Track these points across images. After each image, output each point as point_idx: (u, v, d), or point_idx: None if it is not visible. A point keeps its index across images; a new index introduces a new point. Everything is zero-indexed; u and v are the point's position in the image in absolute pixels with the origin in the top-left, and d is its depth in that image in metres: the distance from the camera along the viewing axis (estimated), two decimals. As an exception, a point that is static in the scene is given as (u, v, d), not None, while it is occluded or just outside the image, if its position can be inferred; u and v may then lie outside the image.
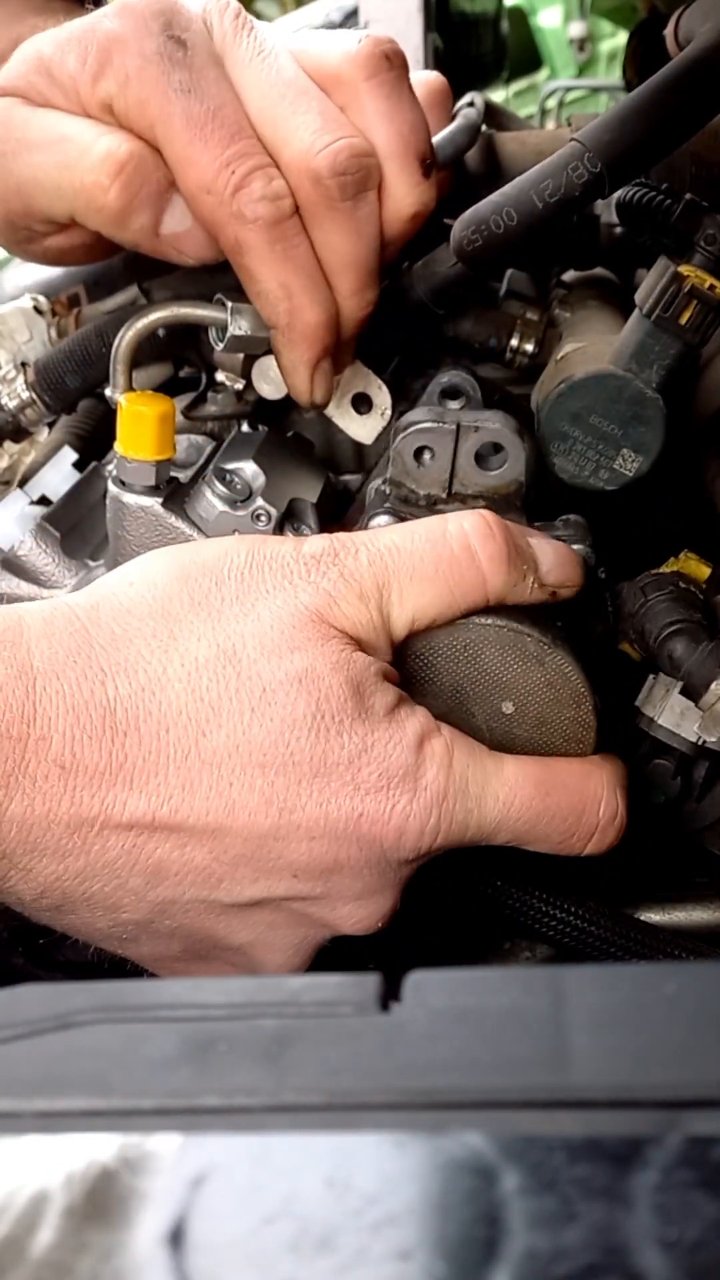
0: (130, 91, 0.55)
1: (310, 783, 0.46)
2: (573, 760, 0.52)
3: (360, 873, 0.47)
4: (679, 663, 0.53)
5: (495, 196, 0.57)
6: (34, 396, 0.66)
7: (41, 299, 0.74)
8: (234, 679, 0.46)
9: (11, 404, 0.66)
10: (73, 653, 0.46)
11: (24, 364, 0.67)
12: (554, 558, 0.52)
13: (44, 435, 0.77)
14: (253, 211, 0.54)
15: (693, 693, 0.52)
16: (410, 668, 0.51)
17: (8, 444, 0.71)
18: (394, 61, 0.58)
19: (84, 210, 0.57)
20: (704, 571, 0.57)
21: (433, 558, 0.49)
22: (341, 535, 0.51)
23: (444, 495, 0.56)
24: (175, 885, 0.46)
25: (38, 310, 0.74)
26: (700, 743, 0.55)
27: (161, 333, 0.62)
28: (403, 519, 0.55)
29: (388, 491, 0.57)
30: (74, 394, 0.66)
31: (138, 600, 0.48)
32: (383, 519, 0.55)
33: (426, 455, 0.56)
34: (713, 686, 0.51)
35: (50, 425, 0.75)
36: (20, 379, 0.66)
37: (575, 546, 0.54)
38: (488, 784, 0.49)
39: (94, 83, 0.56)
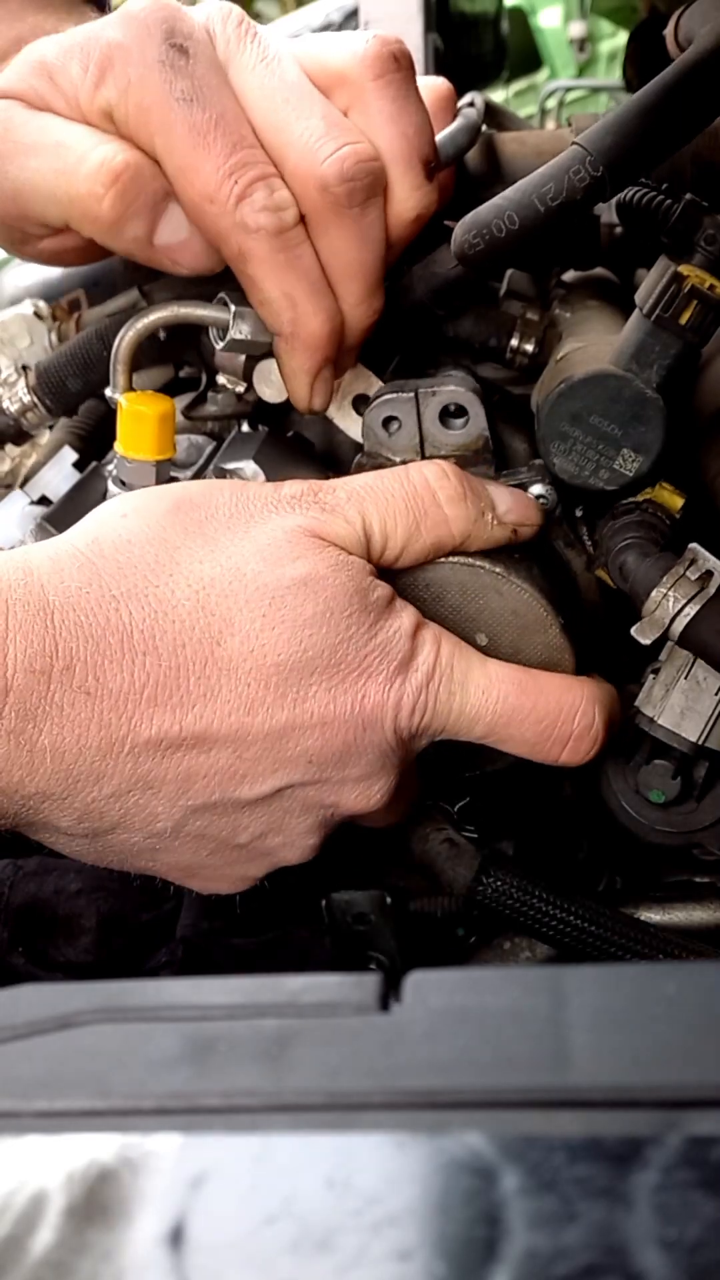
0: (131, 99, 0.55)
1: (322, 674, 0.49)
2: (555, 674, 0.55)
3: (365, 752, 0.51)
4: (627, 574, 0.55)
5: (497, 200, 0.57)
6: (35, 400, 0.66)
7: (41, 304, 0.74)
8: (241, 592, 0.49)
9: (13, 408, 0.66)
10: (84, 585, 0.48)
11: (25, 367, 0.67)
12: (510, 499, 0.57)
13: (45, 438, 0.77)
14: (256, 221, 0.54)
15: (636, 600, 0.55)
16: None
17: (9, 447, 0.71)
18: (401, 62, 0.58)
19: (78, 218, 0.57)
20: (676, 501, 0.59)
21: (401, 492, 0.54)
22: (316, 480, 0.54)
23: (417, 459, 0.60)
24: (204, 789, 0.49)
25: (38, 315, 0.74)
26: (700, 742, 0.55)
27: (163, 334, 0.62)
28: None
29: (364, 462, 0.61)
30: (75, 397, 0.66)
31: (135, 531, 0.50)
32: None
33: (394, 424, 0.59)
34: (653, 594, 0.53)
35: (50, 427, 0.75)
36: (21, 382, 0.66)
37: (535, 487, 0.59)
38: (470, 673, 0.53)
39: (95, 89, 0.56)
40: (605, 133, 0.55)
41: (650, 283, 0.57)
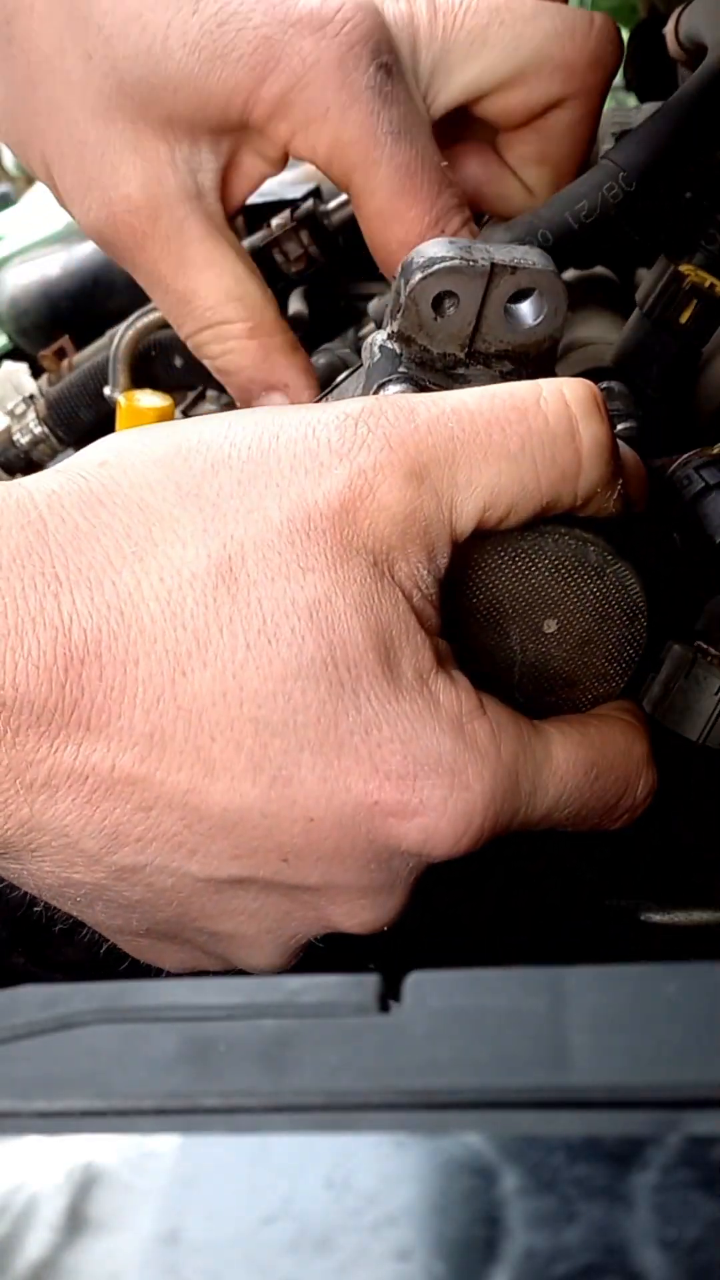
0: (329, 131, 0.48)
1: (315, 751, 0.36)
2: (615, 730, 0.44)
3: (366, 867, 0.38)
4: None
5: (529, 218, 0.58)
6: (46, 431, 0.66)
7: (23, 368, 0.74)
8: (227, 603, 0.36)
9: (24, 440, 0.66)
10: (20, 553, 0.36)
11: (32, 397, 0.67)
12: (632, 465, 0.44)
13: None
14: None
15: None
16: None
17: (19, 478, 0.72)
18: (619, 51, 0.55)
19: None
20: None
21: (521, 429, 0.38)
22: (390, 394, 0.41)
23: (461, 354, 0.46)
24: (137, 852, 0.37)
25: (27, 358, 0.74)
26: (701, 742, 0.55)
27: (179, 361, 0.62)
28: (423, 389, 0.45)
29: (398, 351, 0.46)
30: (87, 426, 0.66)
31: (111, 486, 0.38)
32: (398, 388, 0.45)
33: (449, 303, 0.44)
34: None
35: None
36: (31, 413, 0.66)
37: (622, 424, 0.49)
38: (539, 776, 0.40)
39: (273, 109, 0.49)
40: (636, 148, 0.55)
41: (650, 282, 0.57)
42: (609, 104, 0.60)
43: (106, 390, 0.60)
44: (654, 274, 0.57)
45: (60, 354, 0.72)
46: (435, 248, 0.44)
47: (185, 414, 0.69)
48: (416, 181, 0.49)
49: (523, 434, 0.38)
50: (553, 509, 0.40)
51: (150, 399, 0.58)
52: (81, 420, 0.65)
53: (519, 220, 0.58)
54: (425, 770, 0.37)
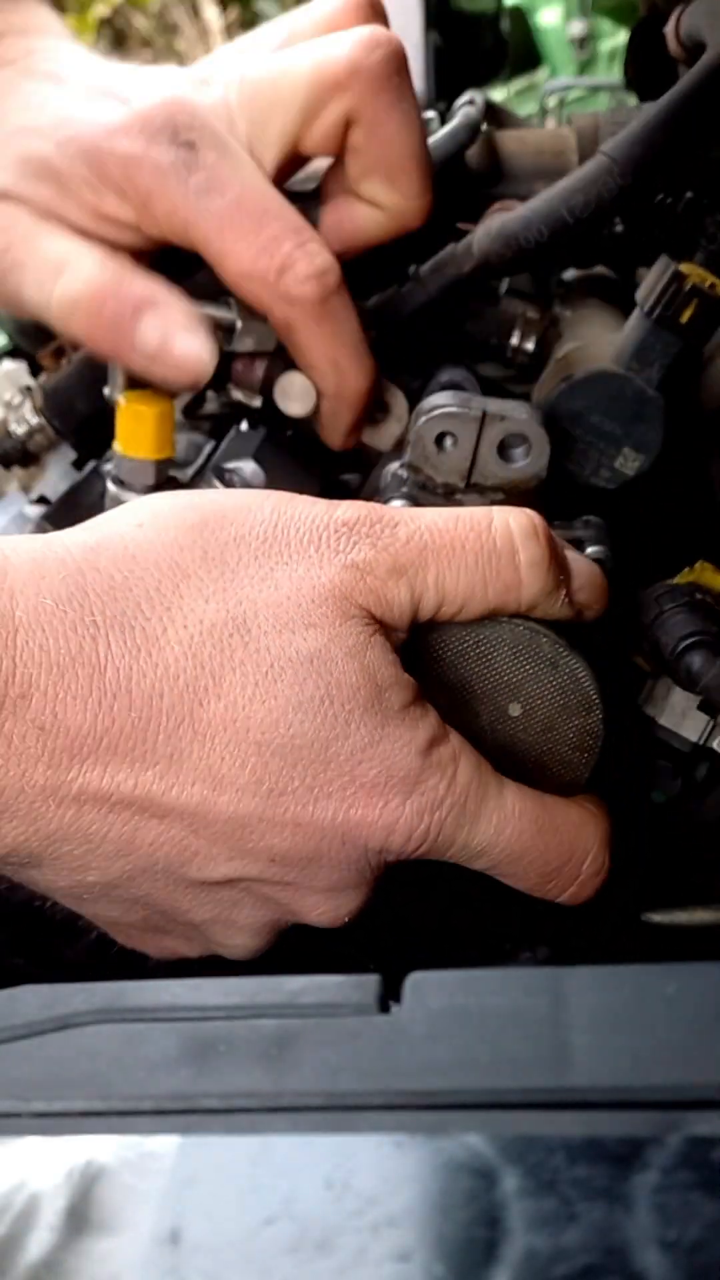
0: (156, 208, 0.56)
1: (306, 769, 0.43)
2: (572, 806, 0.50)
3: (338, 866, 0.45)
4: (697, 676, 0.51)
5: (524, 212, 0.58)
6: (43, 422, 0.66)
7: (23, 366, 0.74)
8: (240, 649, 0.43)
9: (20, 430, 0.66)
10: (63, 600, 0.42)
11: (29, 389, 0.67)
12: (586, 575, 0.50)
13: (53, 459, 0.77)
14: (300, 292, 0.56)
15: (712, 707, 0.51)
16: (419, 657, 0.50)
17: (16, 469, 0.71)
18: (397, 65, 0.58)
19: (64, 335, 0.60)
20: None
21: (475, 546, 0.47)
22: (378, 505, 0.48)
23: (461, 485, 0.55)
24: (148, 857, 0.43)
25: (23, 355, 0.73)
26: (701, 742, 0.55)
27: None
28: (419, 506, 0.54)
29: (405, 476, 0.55)
30: (84, 417, 0.66)
31: (145, 545, 0.44)
32: (398, 504, 0.54)
33: (448, 442, 0.54)
34: None
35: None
36: (27, 404, 0.66)
37: (592, 548, 0.54)
38: (485, 805, 0.47)
39: (115, 208, 0.57)
40: (632, 144, 0.55)
41: (651, 281, 0.57)
42: (609, 104, 0.60)
43: (106, 391, 0.60)
44: (654, 273, 0.57)
45: (59, 353, 0.72)
46: (440, 398, 0.55)
47: (185, 414, 0.69)
48: (234, 224, 0.55)
49: (476, 551, 0.47)
50: (502, 611, 0.48)
51: (150, 399, 0.58)
52: (78, 411, 0.65)
53: (513, 216, 0.58)
54: (394, 783, 0.45)
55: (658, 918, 0.60)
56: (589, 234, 0.57)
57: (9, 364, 0.73)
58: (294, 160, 0.60)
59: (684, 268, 0.55)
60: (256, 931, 0.48)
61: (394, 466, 0.57)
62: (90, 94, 0.60)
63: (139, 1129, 0.26)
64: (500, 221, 0.59)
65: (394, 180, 0.60)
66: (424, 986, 0.28)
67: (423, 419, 0.54)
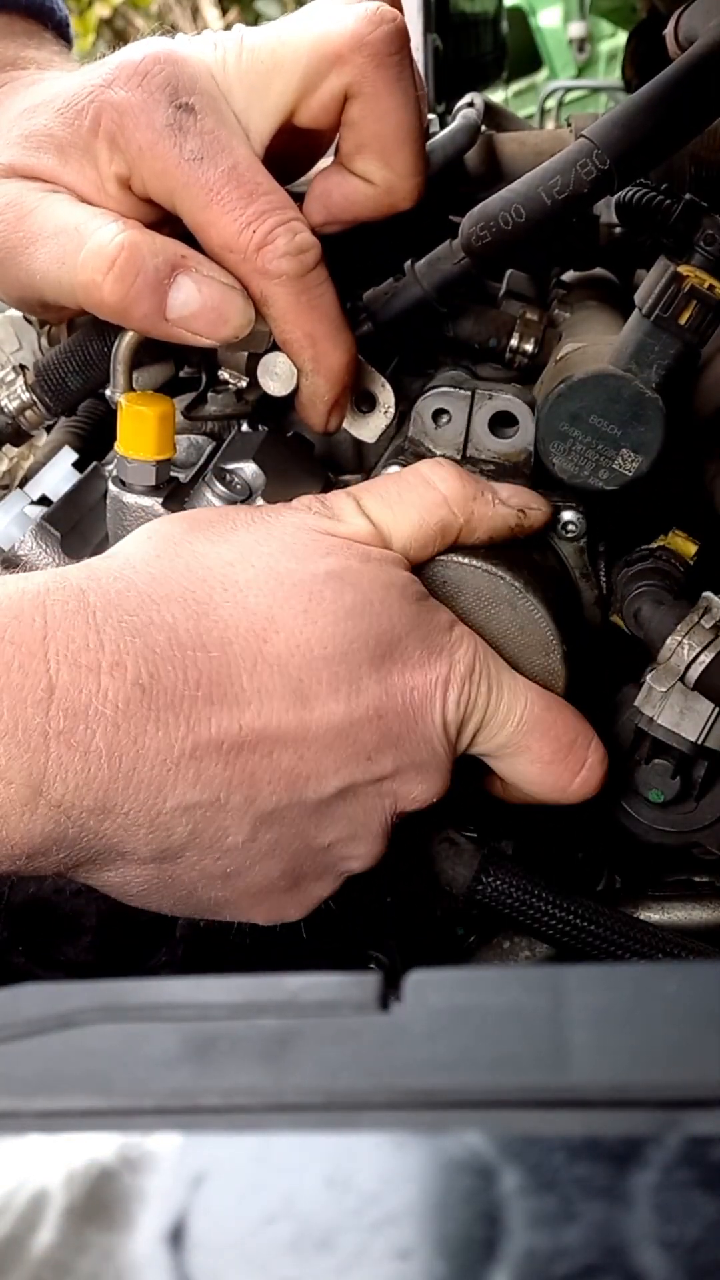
0: (145, 166, 0.56)
1: (370, 665, 0.49)
2: (566, 703, 0.55)
3: (417, 745, 0.51)
4: (643, 621, 0.56)
5: (504, 193, 0.58)
6: (34, 398, 0.66)
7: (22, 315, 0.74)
8: (278, 589, 0.49)
9: (11, 406, 0.66)
10: (122, 589, 0.47)
11: (22, 366, 0.67)
12: (510, 489, 0.57)
13: (43, 438, 0.77)
14: (278, 267, 0.56)
15: (651, 647, 0.55)
16: None
17: (7, 447, 0.71)
18: (400, 41, 0.58)
19: (87, 304, 0.57)
20: (690, 548, 0.60)
21: (396, 483, 0.55)
22: (318, 494, 0.55)
23: (458, 457, 0.59)
24: (271, 794, 0.47)
25: (27, 320, 0.73)
26: (700, 742, 0.55)
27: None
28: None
29: (404, 446, 0.60)
30: (75, 395, 0.66)
31: (159, 549, 0.50)
32: (394, 467, 0.59)
33: (444, 418, 0.60)
34: (668, 640, 0.54)
35: (49, 427, 0.75)
36: (20, 381, 0.66)
37: (566, 513, 0.59)
38: (503, 674, 0.53)
39: (108, 163, 0.57)
40: (612, 126, 0.55)
41: (650, 283, 0.57)
42: (608, 105, 0.60)
43: (108, 391, 0.60)
44: (653, 275, 0.57)
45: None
46: (438, 379, 0.62)
47: (186, 414, 0.69)
48: (222, 195, 0.55)
49: (397, 486, 0.56)
50: (447, 528, 0.55)
51: (151, 400, 0.58)
52: (70, 389, 0.65)
53: (494, 197, 0.58)
54: (433, 656, 0.51)
55: (657, 917, 0.60)
56: (569, 217, 0.57)
57: (12, 311, 0.73)
58: (288, 131, 0.59)
59: (683, 269, 0.55)
60: (376, 835, 0.52)
61: (398, 440, 0.62)
62: (89, 68, 0.60)
63: (140, 1127, 0.26)
64: (481, 205, 0.59)
65: (388, 157, 0.59)
66: (424, 985, 0.28)
67: (421, 397, 0.60)
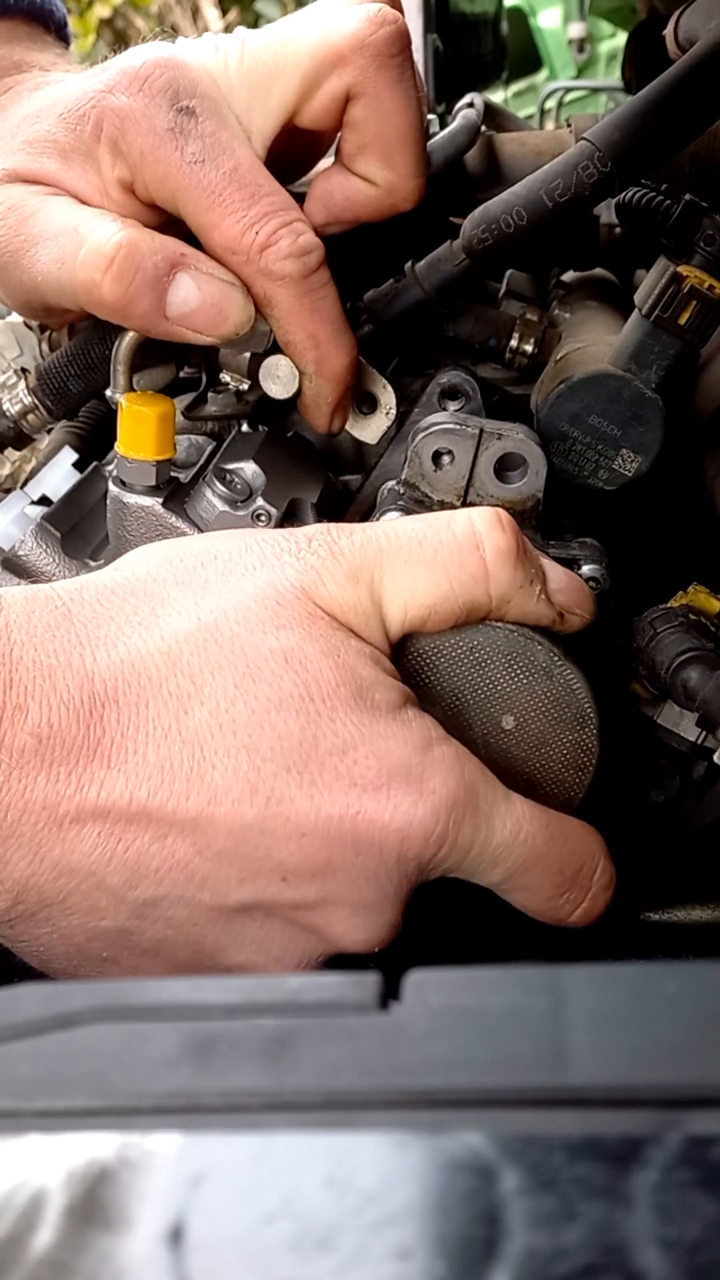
0: (147, 170, 0.56)
1: (300, 772, 0.42)
2: (572, 818, 0.49)
3: (357, 881, 0.43)
4: (694, 691, 0.50)
5: (505, 195, 0.58)
6: (36, 402, 0.66)
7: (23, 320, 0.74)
8: (216, 652, 0.43)
9: (13, 409, 0.66)
10: (52, 626, 0.44)
11: (24, 370, 0.67)
12: (564, 578, 0.50)
13: (45, 441, 0.77)
14: (281, 269, 0.56)
15: (710, 721, 0.50)
16: (409, 667, 0.50)
17: (9, 451, 0.71)
18: (402, 43, 0.58)
19: (87, 304, 0.57)
20: (714, 605, 0.55)
21: (432, 541, 0.47)
22: (340, 524, 0.49)
23: (458, 504, 0.54)
24: (156, 883, 0.42)
25: (27, 326, 0.74)
26: (700, 742, 0.55)
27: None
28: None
29: (401, 491, 0.56)
30: (77, 399, 0.66)
31: (122, 582, 0.47)
32: (393, 515, 0.54)
33: (445, 459, 0.54)
34: None
35: (49, 430, 0.75)
36: (21, 385, 0.66)
37: (587, 567, 0.53)
38: (497, 806, 0.45)
39: (111, 167, 0.57)
40: (613, 129, 0.55)
41: (649, 283, 0.57)
42: (608, 106, 0.60)
43: (108, 391, 0.60)
44: (653, 275, 0.57)
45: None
46: (439, 416, 0.54)
47: (186, 415, 0.69)
48: (224, 197, 0.55)
49: (435, 546, 0.47)
50: (474, 609, 0.47)
51: (151, 400, 0.58)
52: (71, 392, 0.65)
53: (495, 200, 0.58)
54: (396, 780, 0.43)
55: (656, 917, 0.60)
56: (569, 220, 0.57)
57: (13, 317, 0.74)
58: (289, 132, 0.60)
59: (683, 270, 0.55)
60: (291, 971, 0.45)
61: (391, 483, 0.57)
62: (91, 73, 0.60)
63: (140, 1127, 0.26)
64: (482, 207, 0.59)
65: (390, 158, 0.59)
66: (424, 985, 0.28)
67: (420, 435, 0.54)
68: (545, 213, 0.56)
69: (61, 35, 0.74)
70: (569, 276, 0.75)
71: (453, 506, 0.54)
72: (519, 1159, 0.24)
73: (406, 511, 0.54)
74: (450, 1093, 0.26)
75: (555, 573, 0.50)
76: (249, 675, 0.43)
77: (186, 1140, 0.25)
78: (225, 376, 0.63)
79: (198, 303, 0.56)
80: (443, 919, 0.59)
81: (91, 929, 0.43)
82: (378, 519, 0.54)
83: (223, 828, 0.42)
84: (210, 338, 0.57)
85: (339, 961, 0.50)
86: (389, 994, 0.28)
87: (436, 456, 0.54)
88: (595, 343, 0.61)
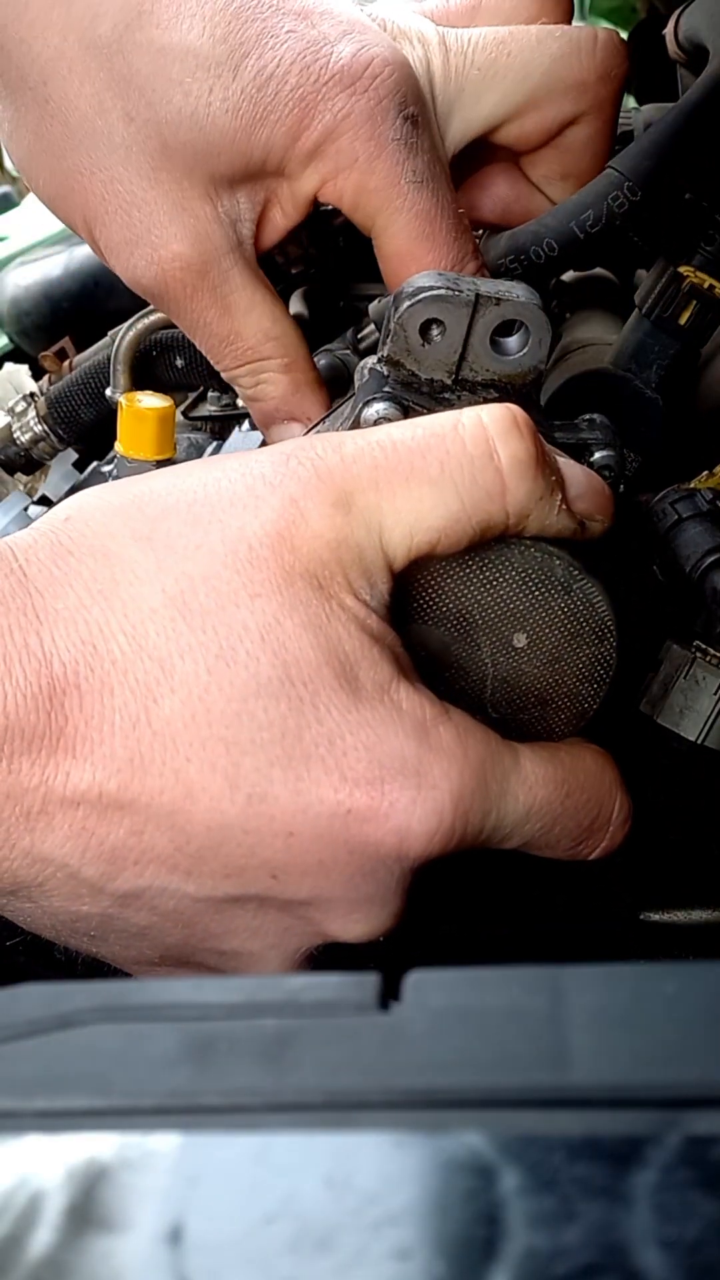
0: (354, 179, 0.51)
1: (283, 766, 0.38)
2: (585, 754, 0.45)
3: (353, 878, 0.40)
4: None
5: (535, 226, 0.58)
6: (46, 430, 0.66)
7: (24, 369, 0.75)
8: (185, 633, 0.38)
9: (24, 438, 0.66)
10: (6, 596, 0.39)
11: (33, 395, 0.67)
12: (585, 481, 0.44)
13: (53, 463, 0.77)
14: None
15: None
16: (413, 588, 0.45)
17: (19, 475, 0.72)
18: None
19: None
20: None
21: (438, 453, 0.40)
22: (325, 434, 0.43)
23: (449, 380, 0.47)
24: (136, 876, 0.39)
25: (30, 396, 0.74)
26: (699, 741, 0.55)
27: (180, 361, 0.62)
28: (406, 409, 0.47)
29: (385, 373, 0.47)
30: (87, 426, 0.66)
31: (76, 537, 0.41)
32: (381, 406, 0.47)
33: (435, 331, 0.46)
34: None
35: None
36: (31, 411, 0.66)
37: (599, 453, 0.49)
38: (507, 783, 0.41)
39: (307, 161, 0.51)
40: (641, 157, 0.55)
41: (649, 283, 0.57)
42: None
43: (108, 391, 0.60)
44: (653, 275, 0.57)
45: (61, 355, 0.72)
46: (424, 278, 0.46)
47: (186, 415, 0.69)
48: (435, 227, 0.51)
49: (440, 458, 0.40)
50: (489, 529, 0.42)
51: (151, 400, 0.58)
52: (82, 419, 0.65)
53: (524, 229, 0.58)
54: (391, 774, 0.39)
55: (656, 917, 0.60)
56: (599, 248, 0.57)
57: (10, 366, 0.74)
58: (476, 143, 0.57)
59: (683, 269, 0.55)
60: (287, 958, 0.42)
61: (370, 362, 0.49)
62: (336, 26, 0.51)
63: (140, 1127, 0.26)
64: (510, 235, 0.59)
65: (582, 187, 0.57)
66: (424, 985, 0.28)
67: (406, 304, 0.46)
68: (577, 244, 0.56)
69: None
70: (569, 276, 0.75)
71: (443, 385, 0.48)
72: (519, 1159, 0.24)
73: (394, 399, 0.47)
74: (450, 1093, 0.26)
75: (574, 475, 0.44)
76: (222, 658, 0.38)
77: (186, 1140, 0.25)
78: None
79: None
80: (447, 895, 0.58)
81: (74, 912, 0.40)
82: (359, 411, 0.47)
83: (201, 825, 0.38)
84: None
85: (339, 960, 0.50)
86: (389, 994, 0.28)
87: (425, 328, 0.46)
88: (595, 343, 0.61)
